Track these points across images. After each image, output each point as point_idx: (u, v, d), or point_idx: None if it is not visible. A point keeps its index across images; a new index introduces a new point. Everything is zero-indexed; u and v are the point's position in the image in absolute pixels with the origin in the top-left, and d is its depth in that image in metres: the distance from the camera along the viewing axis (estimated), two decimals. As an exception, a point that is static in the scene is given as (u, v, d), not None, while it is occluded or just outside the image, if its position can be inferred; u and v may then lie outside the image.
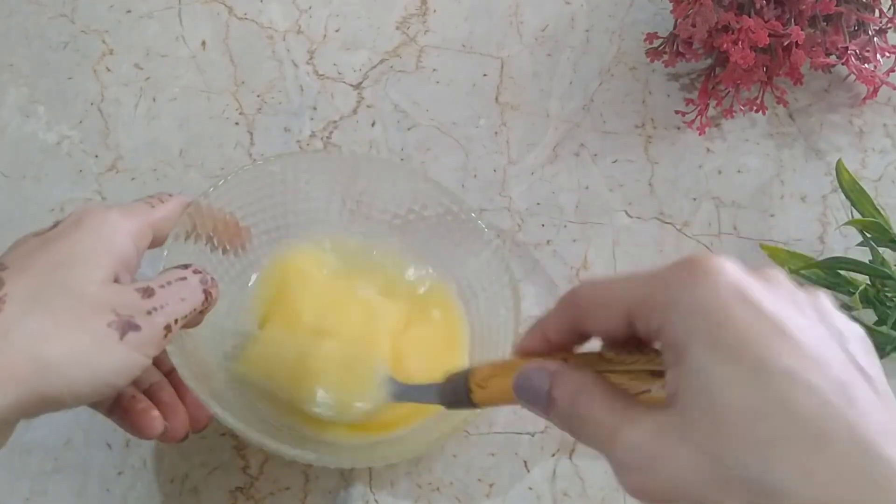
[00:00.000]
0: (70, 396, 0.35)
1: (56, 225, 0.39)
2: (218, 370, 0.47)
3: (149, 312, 0.37)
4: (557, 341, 0.33)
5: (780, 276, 0.30)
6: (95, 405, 0.42)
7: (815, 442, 0.25)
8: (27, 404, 0.34)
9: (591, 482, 0.49)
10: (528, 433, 0.50)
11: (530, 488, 0.49)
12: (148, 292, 0.38)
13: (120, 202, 0.42)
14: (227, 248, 0.49)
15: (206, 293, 0.40)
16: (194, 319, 0.41)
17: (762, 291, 0.28)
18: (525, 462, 0.50)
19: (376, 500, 0.48)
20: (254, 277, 0.51)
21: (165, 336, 0.38)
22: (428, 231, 0.52)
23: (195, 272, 0.40)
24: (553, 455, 0.50)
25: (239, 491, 0.48)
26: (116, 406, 0.42)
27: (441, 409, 0.39)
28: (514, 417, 0.50)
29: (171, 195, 0.45)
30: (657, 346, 0.31)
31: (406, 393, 0.44)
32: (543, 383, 0.31)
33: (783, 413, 0.26)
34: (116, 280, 0.38)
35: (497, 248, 0.50)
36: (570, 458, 0.50)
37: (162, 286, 0.38)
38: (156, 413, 0.42)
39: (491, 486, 0.49)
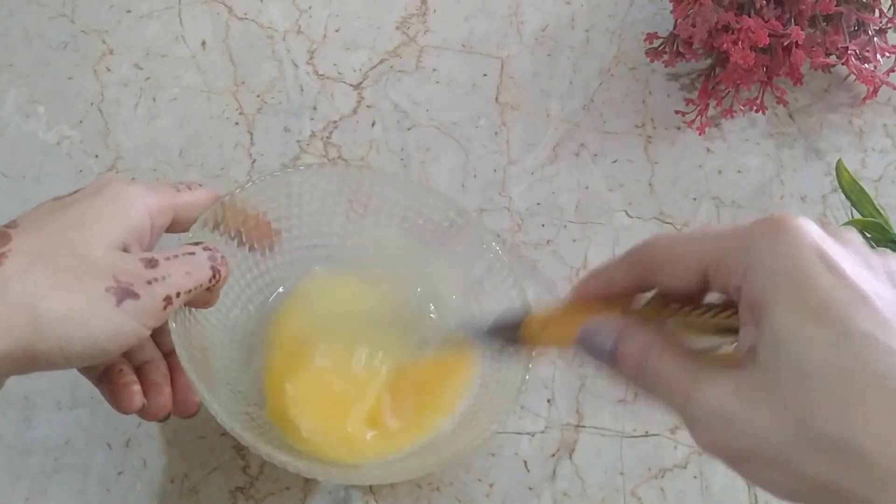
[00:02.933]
0: (61, 356, 0.35)
1: (76, 192, 0.40)
2: (223, 370, 0.47)
3: (149, 282, 0.37)
4: (620, 289, 0.33)
5: (856, 238, 0.30)
6: (86, 371, 0.42)
7: None
8: (18, 357, 0.34)
9: (591, 482, 0.49)
10: (528, 433, 0.50)
11: (530, 488, 0.49)
12: (152, 263, 0.37)
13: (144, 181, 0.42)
14: (255, 246, 0.49)
15: (214, 270, 0.40)
16: (203, 297, 0.41)
17: (842, 254, 0.28)
18: (525, 462, 0.50)
19: (376, 501, 0.48)
20: (278, 291, 0.51)
21: (165, 308, 0.38)
22: (434, 243, 0.51)
23: (205, 249, 0.40)
24: (553, 455, 0.50)
25: (239, 491, 0.48)
26: (104, 376, 0.42)
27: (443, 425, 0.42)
28: (513, 417, 0.51)
29: (200, 185, 0.45)
30: (732, 303, 0.31)
31: (453, 334, 0.43)
32: (609, 338, 0.32)
33: (865, 374, 0.26)
34: (125, 250, 0.38)
35: (500, 259, 0.50)
36: (570, 458, 0.50)
37: (167, 258, 0.38)
38: (137, 388, 0.42)
39: (491, 486, 0.49)
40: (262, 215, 0.49)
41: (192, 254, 0.39)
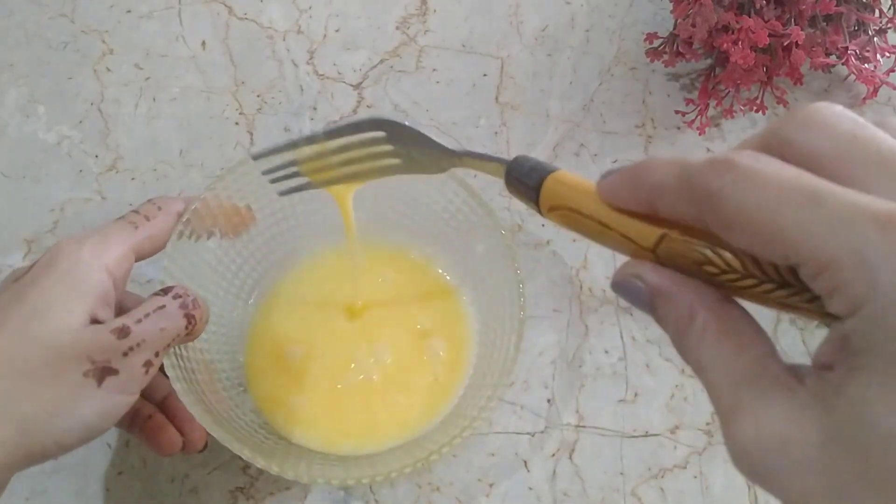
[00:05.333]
0: (57, 449, 0.35)
1: (32, 267, 0.39)
2: (221, 388, 0.46)
3: (125, 353, 0.37)
4: (666, 214, 0.25)
5: None
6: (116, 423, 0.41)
7: None
8: (14, 463, 0.35)
9: (591, 482, 0.49)
10: (528, 433, 0.50)
11: (530, 488, 0.49)
12: (123, 332, 0.37)
13: (100, 225, 0.41)
14: (232, 236, 0.49)
15: (188, 317, 0.39)
16: (185, 340, 0.41)
17: None
18: (525, 462, 0.50)
19: (376, 500, 0.48)
20: (255, 295, 0.50)
21: (147, 372, 0.38)
22: (432, 218, 0.51)
23: (175, 297, 0.39)
24: (553, 455, 0.50)
25: (239, 491, 0.48)
26: (133, 424, 0.43)
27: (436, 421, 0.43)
28: (514, 417, 0.51)
29: (160, 207, 0.43)
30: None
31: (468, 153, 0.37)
32: (642, 294, 0.25)
33: None
34: (95, 319, 0.37)
35: (500, 234, 0.48)
36: (570, 458, 0.50)
37: (139, 320, 0.38)
38: (171, 429, 0.43)
39: (491, 486, 0.49)
40: (231, 205, 0.47)
41: (163, 307, 0.39)
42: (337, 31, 0.64)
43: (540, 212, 0.31)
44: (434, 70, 0.63)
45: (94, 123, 0.59)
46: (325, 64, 0.63)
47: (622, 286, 0.26)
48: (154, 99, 0.61)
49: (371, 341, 0.49)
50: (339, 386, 0.48)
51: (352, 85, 0.62)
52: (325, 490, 0.48)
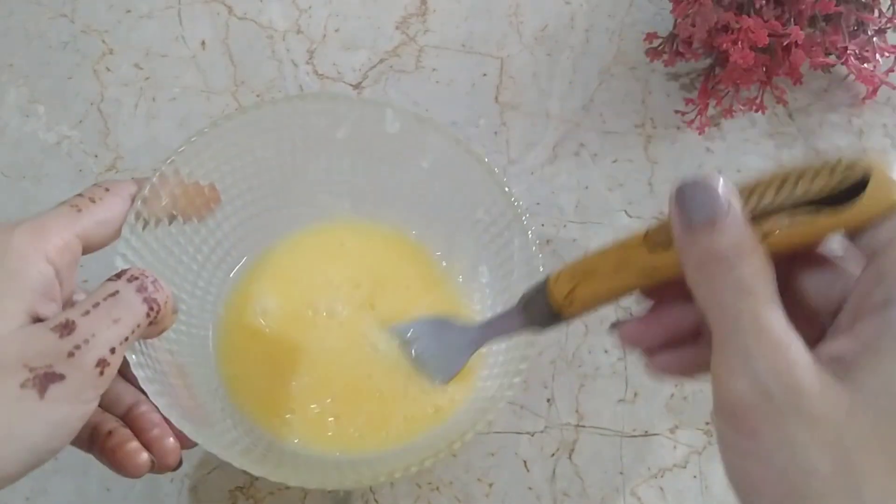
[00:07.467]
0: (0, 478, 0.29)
1: None
2: (197, 393, 0.42)
3: (71, 354, 0.30)
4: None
5: None
6: (72, 442, 0.35)
7: None
8: None
9: (591, 482, 0.49)
10: (528, 433, 0.50)
11: (530, 488, 0.49)
12: (67, 328, 0.31)
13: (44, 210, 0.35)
14: (197, 220, 0.43)
15: (149, 302, 0.33)
16: (150, 331, 0.35)
17: None
18: (525, 462, 0.50)
19: (376, 500, 0.48)
20: (242, 262, 0.47)
21: (102, 373, 0.31)
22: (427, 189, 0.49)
23: (130, 279, 0.33)
24: (553, 455, 0.50)
25: (239, 491, 0.48)
26: (92, 442, 0.37)
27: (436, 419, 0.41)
28: (514, 418, 0.51)
29: (108, 188, 0.37)
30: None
31: (483, 334, 0.40)
32: (721, 195, 0.26)
33: None
34: (36, 317, 0.31)
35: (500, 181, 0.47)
36: (570, 458, 0.50)
37: (86, 312, 0.31)
38: (135, 445, 0.36)
39: (491, 486, 0.49)
40: (192, 185, 0.42)
41: (116, 293, 0.32)
42: (337, 30, 0.64)
43: (561, 317, 0.32)
44: (434, 70, 0.63)
45: (94, 123, 0.59)
46: (325, 64, 0.63)
47: (703, 178, 0.26)
48: (154, 99, 0.61)
49: (370, 333, 0.47)
50: (334, 383, 0.45)
51: (352, 85, 0.62)
52: (325, 490, 0.48)
